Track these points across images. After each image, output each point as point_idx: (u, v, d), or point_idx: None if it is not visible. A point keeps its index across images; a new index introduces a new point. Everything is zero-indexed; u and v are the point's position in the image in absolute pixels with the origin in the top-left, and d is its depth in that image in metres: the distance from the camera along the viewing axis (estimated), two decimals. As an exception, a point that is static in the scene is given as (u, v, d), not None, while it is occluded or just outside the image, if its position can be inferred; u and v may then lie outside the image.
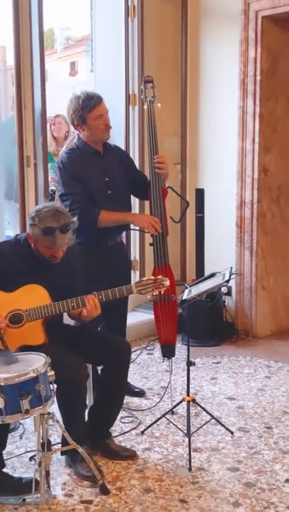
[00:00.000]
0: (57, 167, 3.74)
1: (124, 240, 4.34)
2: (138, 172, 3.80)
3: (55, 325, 3.11)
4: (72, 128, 5.41)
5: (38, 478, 2.60)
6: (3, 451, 2.85)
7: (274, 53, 4.94)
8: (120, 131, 4.88)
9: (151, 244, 3.78)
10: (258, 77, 4.86)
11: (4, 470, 2.83)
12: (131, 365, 3.35)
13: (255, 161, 4.94)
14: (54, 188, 5.01)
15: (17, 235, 3.48)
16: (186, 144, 5.24)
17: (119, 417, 3.31)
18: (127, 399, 3.56)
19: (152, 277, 3.15)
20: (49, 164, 4.73)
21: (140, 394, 3.92)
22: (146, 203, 4.00)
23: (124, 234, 4.35)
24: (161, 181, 3.73)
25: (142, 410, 3.69)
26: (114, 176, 3.70)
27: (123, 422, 3.47)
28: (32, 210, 4.07)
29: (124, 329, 3.89)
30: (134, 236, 5.02)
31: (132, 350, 3.66)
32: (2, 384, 2.42)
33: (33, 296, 2.99)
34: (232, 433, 3.37)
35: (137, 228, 4.06)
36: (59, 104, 5.11)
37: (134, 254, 5.12)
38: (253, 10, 4.82)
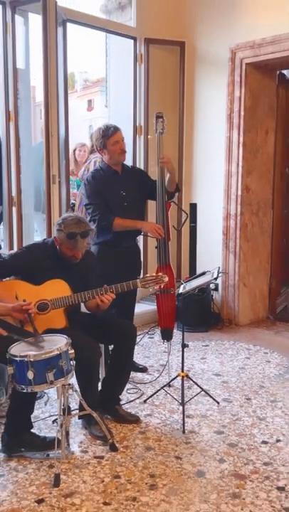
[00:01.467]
0: (83, 183, 3.83)
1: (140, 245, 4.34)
2: (152, 184, 3.81)
3: (74, 312, 3.14)
4: (89, 154, 5.44)
5: (60, 438, 2.64)
6: (31, 415, 2.87)
7: (255, 93, 4.94)
8: (129, 154, 4.89)
9: (156, 247, 3.81)
10: (242, 113, 4.87)
11: (32, 430, 2.86)
12: (135, 347, 3.33)
13: (239, 181, 4.94)
14: (74, 201, 5.03)
15: (44, 239, 3.52)
16: (182, 167, 5.25)
17: (125, 389, 3.32)
18: (132, 374, 3.56)
19: (154, 274, 3.17)
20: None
21: (143, 370, 3.93)
22: (153, 213, 4.00)
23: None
24: (164, 196, 3.75)
25: (144, 383, 3.71)
26: (129, 191, 3.72)
27: (129, 393, 3.48)
28: (57, 219, 4.11)
29: (132, 316, 3.88)
30: (140, 241, 5.02)
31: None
32: (32, 360, 2.45)
33: (57, 289, 3.01)
34: (218, 403, 3.38)
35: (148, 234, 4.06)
36: (79, 133, 5.11)
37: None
38: (239, 58, 4.83)
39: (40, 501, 2.39)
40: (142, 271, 4.05)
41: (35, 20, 4.14)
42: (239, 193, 4.95)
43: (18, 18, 4.15)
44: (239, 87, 4.87)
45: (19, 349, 2.52)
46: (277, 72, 5.21)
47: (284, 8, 4.45)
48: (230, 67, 4.89)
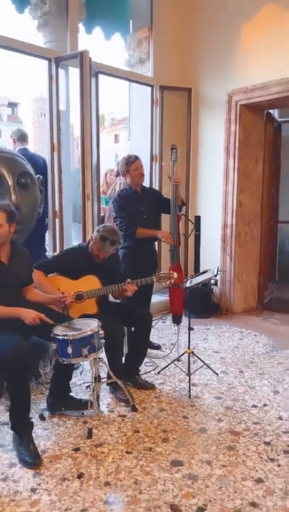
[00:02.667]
0: (112, 201, 3.85)
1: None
2: (165, 201, 3.82)
3: (104, 301, 3.15)
4: (115, 177, 5.47)
5: (92, 400, 2.67)
6: (70, 382, 2.88)
7: (247, 129, 4.91)
8: (146, 177, 4.90)
9: (170, 250, 3.82)
10: (237, 144, 4.84)
11: (70, 394, 2.88)
12: (151, 329, 3.31)
13: (234, 198, 4.91)
14: (103, 214, 5.05)
15: (80, 244, 3.54)
16: (189, 187, 5.23)
17: (143, 362, 3.31)
18: (149, 351, 3.55)
19: (166, 272, 3.18)
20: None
21: (157, 347, 3.92)
22: (166, 225, 4.01)
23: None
24: (176, 210, 3.76)
25: (158, 358, 3.70)
26: (148, 207, 3.73)
27: (146, 365, 3.47)
28: (89, 228, 4.15)
29: (149, 305, 3.88)
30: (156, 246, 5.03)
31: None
32: (71, 338, 2.47)
33: (90, 283, 3.03)
34: (217, 374, 3.37)
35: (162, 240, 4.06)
36: (107, 161, 5.13)
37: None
38: (234, 100, 4.80)
39: (76, 449, 2.41)
40: (157, 269, 4.05)
41: (74, 72, 4.16)
42: (234, 207, 4.92)
43: (61, 71, 4.17)
44: (234, 124, 4.84)
45: (61, 330, 2.54)
46: (265, 111, 5.17)
47: (270, 60, 4.44)
48: (227, 108, 4.87)
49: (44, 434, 2.56)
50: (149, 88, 4.99)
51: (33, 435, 2.40)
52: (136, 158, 3.70)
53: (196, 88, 5.15)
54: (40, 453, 2.33)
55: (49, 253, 4.31)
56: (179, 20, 5.12)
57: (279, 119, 5.83)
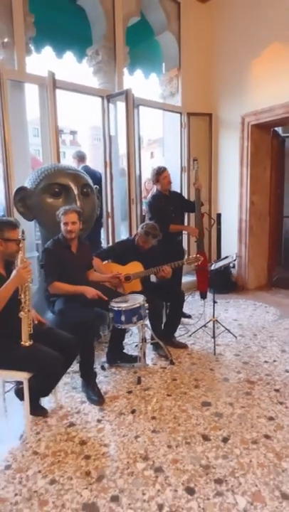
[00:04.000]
0: (147, 204, 3.80)
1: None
2: (188, 203, 3.77)
3: (146, 281, 3.15)
4: (152, 185, 5.44)
5: (140, 355, 2.68)
6: (123, 341, 2.91)
7: (257, 144, 4.73)
8: (177, 184, 4.86)
9: (195, 241, 3.78)
10: (249, 156, 4.68)
11: (124, 351, 2.92)
12: (184, 303, 3.30)
13: (247, 199, 4.77)
14: (143, 214, 5.04)
15: (127, 237, 3.55)
16: (211, 191, 5.13)
17: (178, 328, 3.31)
18: (182, 319, 3.51)
19: (194, 256, 3.14)
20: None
21: (188, 316, 3.90)
22: (191, 221, 3.96)
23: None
24: (200, 209, 3.71)
25: (189, 325, 3.68)
26: (175, 207, 3.68)
27: (180, 330, 3.46)
28: (134, 226, 4.14)
29: (180, 283, 3.85)
30: (185, 238, 4.97)
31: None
32: (124, 309, 2.49)
33: (136, 267, 3.04)
34: (236, 337, 3.33)
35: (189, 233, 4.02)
36: (146, 172, 5.09)
37: (185, 245, 5.05)
38: (246, 122, 4.63)
39: (129, 392, 2.45)
40: (185, 255, 4.01)
41: (121, 105, 4.16)
42: (248, 206, 4.78)
43: (111, 105, 4.18)
44: (247, 140, 4.67)
45: (116, 303, 2.56)
46: (271, 129, 4.96)
47: (276, 88, 4.26)
48: (241, 128, 4.71)
49: (105, 380, 2.62)
50: (178, 115, 4.90)
51: (97, 381, 2.47)
52: (164, 169, 3.65)
53: (216, 113, 5.02)
54: (103, 394, 2.40)
55: (103, 245, 4.37)
56: (201, 60, 4.98)
57: (282, 134, 5.59)
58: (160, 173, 3.61)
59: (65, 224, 2.56)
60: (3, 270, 2.02)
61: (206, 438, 1.98)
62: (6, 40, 3.49)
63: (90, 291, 2.50)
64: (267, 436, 1.98)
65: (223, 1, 4.81)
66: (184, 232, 3.96)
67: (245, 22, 4.55)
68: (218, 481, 1.69)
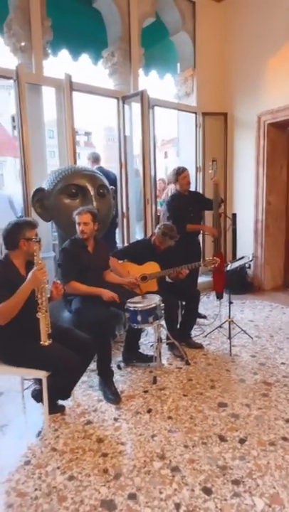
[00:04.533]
0: (165, 203, 3.79)
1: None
2: (208, 201, 3.75)
3: (162, 281, 3.15)
4: (166, 185, 5.43)
5: (156, 355, 2.68)
6: (139, 341, 2.92)
7: (274, 143, 4.67)
8: (192, 184, 4.83)
9: (213, 241, 3.75)
10: (265, 155, 4.63)
11: (139, 350, 2.92)
12: (199, 303, 3.28)
13: (263, 198, 4.72)
14: (158, 214, 5.04)
15: (143, 238, 3.56)
16: (226, 190, 5.08)
17: (193, 328, 3.29)
18: (197, 319, 3.51)
19: (210, 258, 3.12)
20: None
21: (204, 317, 3.88)
22: (208, 220, 3.93)
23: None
24: (217, 207, 3.68)
25: (204, 325, 3.66)
26: (193, 207, 3.66)
27: (195, 330, 3.44)
28: (149, 226, 4.14)
29: (196, 283, 3.84)
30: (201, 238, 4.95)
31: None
32: (140, 309, 2.49)
33: (152, 267, 3.03)
34: (252, 338, 3.29)
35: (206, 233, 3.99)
36: (159, 173, 5.08)
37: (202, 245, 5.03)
38: (262, 120, 4.58)
39: (145, 391, 2.46)
40: (201, 256, 3.99)
41: (136, 106, 4.17)
42: (264, 206, 4.72)
43: (126, 106, 4.19)
44: (263, 139, 4.62)
45: (132, 303, 2.56)
46: (288, 128, 4.90)
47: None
48: (257, 127, 4.65)
49: (121, 379, 2.63)
50: (193, 115, 4.88)
51: (113, 380, 2.48)
52: (184, 169, 3.64)
53: (231, 112, 4.97)
54: (119, 393, 2.41)
55: (118, 245, 4.39)
56: (216, 60, 4.95)
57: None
58: (180, 174, 3.60)
59: (78, 224, 2.59)
60: (24, 271, 2.05)
61: (222, 439, 1.97)
62: (23, 44, 3.55)
63: (106, 294, 2.51)
64: (285, 439, 1.96)
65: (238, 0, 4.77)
66: (205, 231, 3.93)
67: (261, 20, 4.50)
68: (236, 482, 1.69)
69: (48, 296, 2.05)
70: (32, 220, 2.14)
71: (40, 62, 3.58)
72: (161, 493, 1.64)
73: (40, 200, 3.05)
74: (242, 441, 1.95)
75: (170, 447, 1.92)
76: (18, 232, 2.00)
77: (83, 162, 4.77)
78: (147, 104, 4.07)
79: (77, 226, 2.61)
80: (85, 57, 4.28)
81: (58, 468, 1.81)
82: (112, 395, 2.36)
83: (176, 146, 5.70)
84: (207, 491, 1.64)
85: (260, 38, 4.52)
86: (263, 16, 4.47)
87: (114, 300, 2.51)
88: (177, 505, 1.57)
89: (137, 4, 4.16)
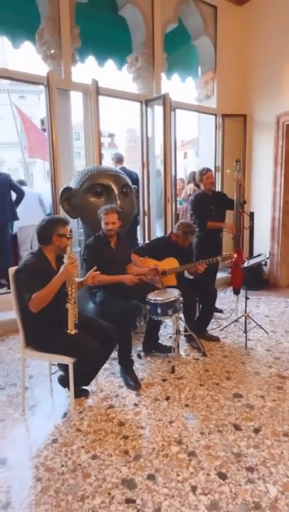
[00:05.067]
0: (190, 201, 3.75)
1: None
2: (229, 201, 3.71)
3: (181, 276, 3.15)
4: (186, 185, 5.38)
5: (174, 346, 2.69)
6: (158, 333, 2.92)
7: (292, 143, 4.57)
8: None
9: (232, 238, 3.70)
10: (283, 155, 4.51)
11: (158, 341, 2.93)
12: (217, 298, 3.25)
13: (281, 198, 4.60)
14: (178, 212, 5.02)
15: (164, 235, 3.55)
16: (245, 190, 5.01)
17: (211, 321, 3.27)
18: (214, 314, 3.51)
19: (228, 253, 3.08)
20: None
21: (220, 311, 3.84)
22: (228, 218, 3.88)
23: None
24: (239, 207, 3.64)
25: (221, 319, 3.63)
26: (216, 206, 3.62)
27: (212, 324, 3.43)
28: (169, 224, 4.12)
29: (214, 279, 3.81)
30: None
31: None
32: (160, 302, 2.50)
33: (171, 263, 3.03)
34: (267, 333, 3.25)
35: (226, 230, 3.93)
36: (179, 173, 5.05)
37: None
38: (281, 121, 4.46)
39: (164, 380, 2.48)
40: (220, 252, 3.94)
41: (158, 108, 4.16)
42: (281, 205, 4.61)
43: (149, 109, 4.19)
44: (282, 140, 4.50)
45: (153, 296, 2.58)
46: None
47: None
48: (275, 127, 4.54)
49: (141, 367, 2.66)
50: (213, 116, 4.81)
51: (134, 368, 2.51)
52: (208, 170, 3.62)
53: (250, 114, 4.88)
54: (139, 380, 2.45)
55: (140, 241, 4.41)
56: (237, 63, 4.85)
57: None
58: (203, 174, 3.60)
59: (106, 223, 2.62)
60: (54, 265, 2.11)
61: (237, 428, 1.96)
62: (53, 51, 3.60)
63: (128, 279, 2.54)
64: (298, 430, 1.93)
65: (259, 3, 4.64)
66: (224, 229, 3.90)
67: (281, 23, 4.37)
68: (250, 469, 1.68)
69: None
70: (64, 217, 2.19)
71: (69, 69, 3.63)
72: (178, 475, 1.66)
73: (68, 199, 3.11)
74: (256, 430, 1.94)
75: (187, 433, 1.93)
76: (51, 229, 2.05)
77: (107, 162, 4.81)
78: (169, 107, 4.05)
79: (103, 225, 2.64)
80: (110, 63, 4.31)
81: (83, 447, 1.86)
82: (132, 381, 2.39)
83: (196, 147, 5.65)
84: (222, 476, 1.65)
85: (280, 41, 4.40)
86: (284, 19, 4.34)
87: (135, 283, 2.53)
88: (193, 488, 1.59)
89: (161, 11, 4.14)
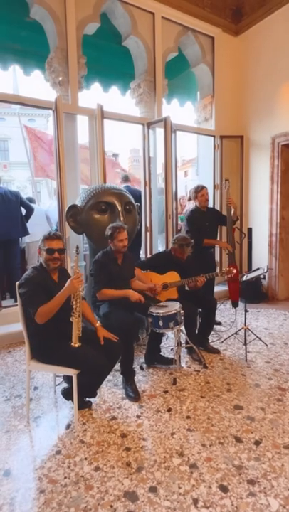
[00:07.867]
0: (186, 217, 3.77)
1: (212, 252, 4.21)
2: (223, 217, 3.73)
3: (182, 289, 3.13)
4: (187, 201, 5.44)
5: (175, 358, 2.66)
6: (160, 345, 2.90)
7: (287, 162, 4.60)
8: (210, 200, 4.82)
9: (227, 254, 3.70)
10: (279, 174, 4.56)
11: (160, 353, 2.91)
12: (216, 311, 3.24)
13: (278, 214, 4.63)
14: (179, 228, 5.04)
15: (165, 249, 3.56)
16: (242, 206, 5.05)
17: (210, 334, 3.25)
18: (214, 326, 3.47)
19: (226, 268, 3.09)
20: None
21: (220, 324, 3.81)
22: (223, 234, 3.89)
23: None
24: (231, 224, 3.63)
25: (221, 331, 3.60)
26: (210, 222, 3.65)
27: (212, 336, 3.41)
28: (170, 239, 4.11)
29: (213, 292, 3.79)
30: (217, 251, 4.91)
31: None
32: (161, 315, 2.49)
33: (172, 276, 3.02)
34: (266, 345, 3.21)
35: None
36: (180, 190, 5.10)
37: (217, 258, 4.98)
38: (276, 142, 4.54)
39: (165, 392, 2.44)
40: (216, 266, 3.93)
41: (160, 131, 4.25)
42: (278, 220, 4.63)
43: (151, 131, 4.28)
44: (277, 159, 4.57)
45: (154, 309, 2.58)
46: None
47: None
48: (271, 148, 4.61)
49: (143, 379, 2.63)
50: (212, 138, 4.91)
51: (135, 379, 2.49)
52: (203, 187, 3.63)
53: (247, 135, 4.97)
54: (141, 392, 2.41)
55: (142, 255, 4.42)
56: (233, 87, 4.98)
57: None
58: (198, 191, 3.62)
59: (120, 240, 2.61)
60: (56, 277, 2.11)
61: (238, 440, 1.92)
62: (61, 78, 3.72)
63: (134, 295, 2.54)
64: (299, 442, 1.88)
65: (253, 33, 4.80)
66: (216, 246, 3.91)
67: (275, 51, 4.50)
68: (251, 482, 1.64)
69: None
70: (56, 233, 2.13)
71: (76, 94, 3.73)
72: (180, 488, 1.62)
73: (74, 216, 3.14)
74: (257, 443, 1.89)
75: (188, 445, 1.89)
76: (41, 243, 2.09)
77: (111, 181, 4.88)
78: (170, 129, 4.13)
79: (117, 242, 2.62)
80: (114, 89, 4.44)
81: (86, 459, 1.82)
82: (132, 392, 2.36)
83: (196, 166, 5.73)
84: (224, 489, 1.60)
85: (275, 67, 4.52)
86: (277, 47, 4.47)
87: (140, 301, 2.53)
88: (195, 501, 1.54)
89: (162, 41, 4.28)
